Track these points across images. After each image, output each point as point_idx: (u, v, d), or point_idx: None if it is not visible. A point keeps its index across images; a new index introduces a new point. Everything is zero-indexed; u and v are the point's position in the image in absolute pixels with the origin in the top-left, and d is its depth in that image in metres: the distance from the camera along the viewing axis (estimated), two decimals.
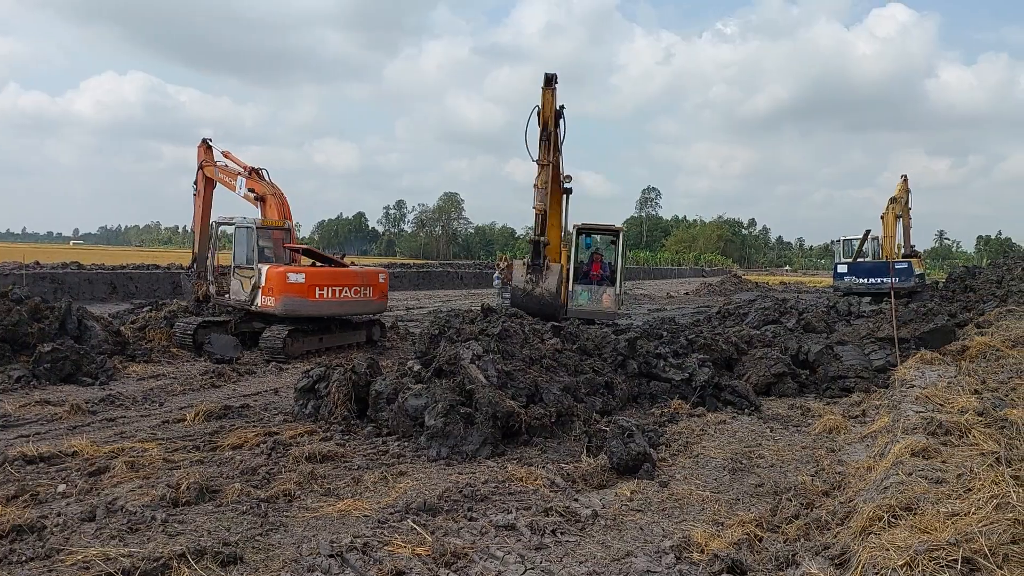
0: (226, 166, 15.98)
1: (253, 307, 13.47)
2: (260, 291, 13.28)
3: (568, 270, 16.80)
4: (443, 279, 41.82)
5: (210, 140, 16.19)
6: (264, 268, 13.33)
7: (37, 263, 27.96)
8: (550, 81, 13.92)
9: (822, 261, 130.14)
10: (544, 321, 11.88)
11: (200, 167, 16.18)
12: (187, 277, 16.56)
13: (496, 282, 17.63)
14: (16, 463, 6.24)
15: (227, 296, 14.15)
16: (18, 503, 5.29)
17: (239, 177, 15.44)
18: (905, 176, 31.19)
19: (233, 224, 14.12)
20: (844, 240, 32.21)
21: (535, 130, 14.05)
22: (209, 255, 14.95)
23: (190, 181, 16.54)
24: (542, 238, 14.33)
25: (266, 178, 15.32)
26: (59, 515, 5.03)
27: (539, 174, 13.64)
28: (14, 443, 7.00)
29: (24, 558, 4.38)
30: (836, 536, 4.52)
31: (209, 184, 16.30)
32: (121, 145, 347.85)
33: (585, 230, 18.11)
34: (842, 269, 29.95)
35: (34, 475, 6.02)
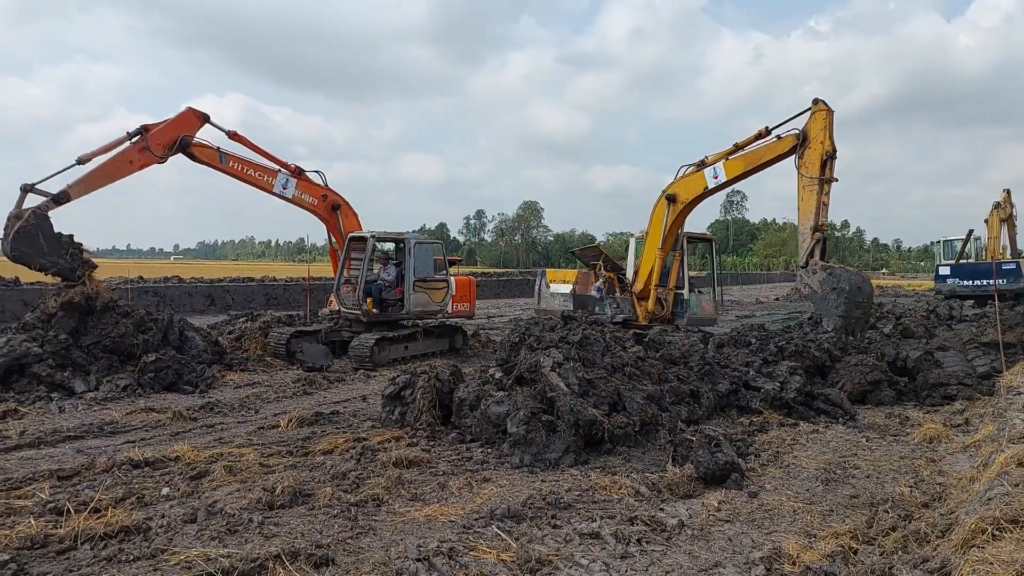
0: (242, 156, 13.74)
1: (443, 315, 15.25)
2: (451, 299, 15.21)
3: (686, 279, 16.57)
4: (523, 287, 41.95)
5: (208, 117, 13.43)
6: (452, 278, 15.40)
7: (141, 278, 29.46)
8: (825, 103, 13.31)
9: (921, 263, 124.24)
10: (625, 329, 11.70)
11: (182, 145, 12.85)
12: (350, 293, 14.75)
13: (596, 293, 17.16)
14: (124, 467, 6.59)
15: (392, 309, 14.52)
16: (125, 505, 5.58)
17: (280, 175, 14.04)
18: (1008, 190, 29.64)
19: (409, 239, 14.43)
20: (945, 241, 30.73)
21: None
22: (362, 270, 14.24)
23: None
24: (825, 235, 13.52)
25: (322, 182, 14.71)
26: (163, 517, 5.29)
27: (826, 191, 12.90)
28: (122, 448, 7.40)
29: (131, 557, 4.63)
30: (936, 549, 4.32)
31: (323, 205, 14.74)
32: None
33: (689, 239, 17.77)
34: (944, 271, 28.53)
35: (140, 479, 6.34)
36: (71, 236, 11.71)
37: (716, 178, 14.45)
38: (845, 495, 6.23)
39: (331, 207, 14.71)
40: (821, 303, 12.23)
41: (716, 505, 5.84)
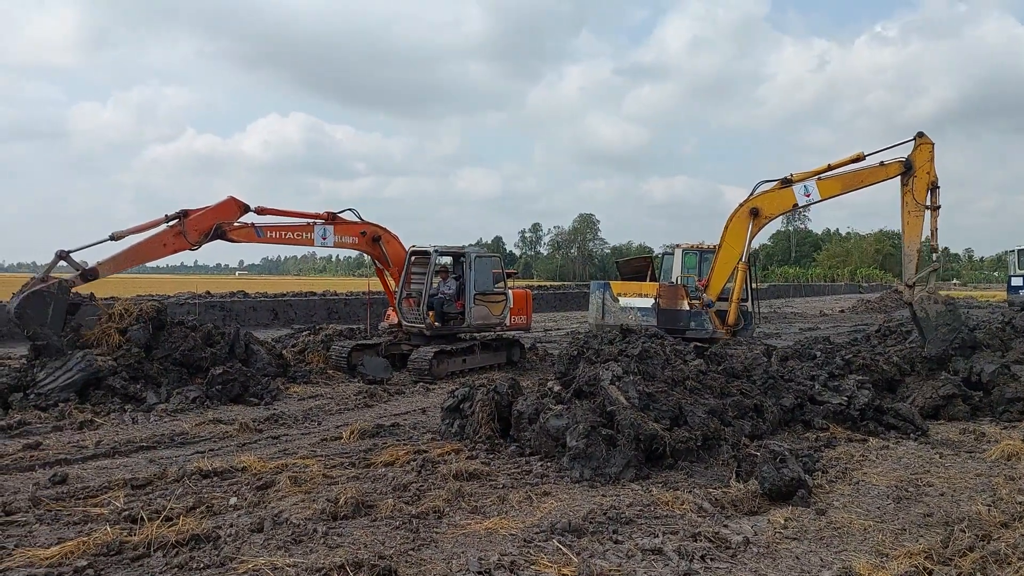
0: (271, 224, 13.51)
1: (501, 328, 15.54)
2: (510, 312, 15.52)
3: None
4: (580, 300, 41.75)
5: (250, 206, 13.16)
6: (511, 292, 15.74)
7: (208, 293, 30.31)
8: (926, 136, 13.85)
9: (995, 273, 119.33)
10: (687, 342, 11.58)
11: (217, 232, 12.52)
12: (412, 307, 14.89)
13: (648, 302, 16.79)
14: (193, 477, 6.77)
15: (453, 322, 14.68)
16: (195, 514, 5.72)
17: (316, 228, 13.85)
18: None
19: (469, 253, 14.70)
20: (1020, 250, 29.55)
21: None
22: (426, 283, 14.37)
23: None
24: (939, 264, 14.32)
25: (358, 218, 14.46)
26: (231, 526, 5.41)
27: (935, 216, 13.42)
28: (191, 459, 7.61)
29: (201, 565, 4.75)
30: (1017, 571, 4.13)
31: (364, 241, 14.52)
32: (282, 180, 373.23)
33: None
34: (1017, 282, 27.47)
35: (209, 488, 6.50)
36: (81, 303, 11.68)
37: (808, 196, 14.60)
38: (918, 513, 6.00)
39: (372, 240, 14.58)
40: (932, 332, 12.35)
41: (782, 522, 5.70)
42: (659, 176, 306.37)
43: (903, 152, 13.68)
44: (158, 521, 5.41)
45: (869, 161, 13.91)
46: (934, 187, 13.29)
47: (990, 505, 6.02)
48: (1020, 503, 5.98)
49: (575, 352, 10.82)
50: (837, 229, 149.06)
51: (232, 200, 12.96)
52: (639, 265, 20.56)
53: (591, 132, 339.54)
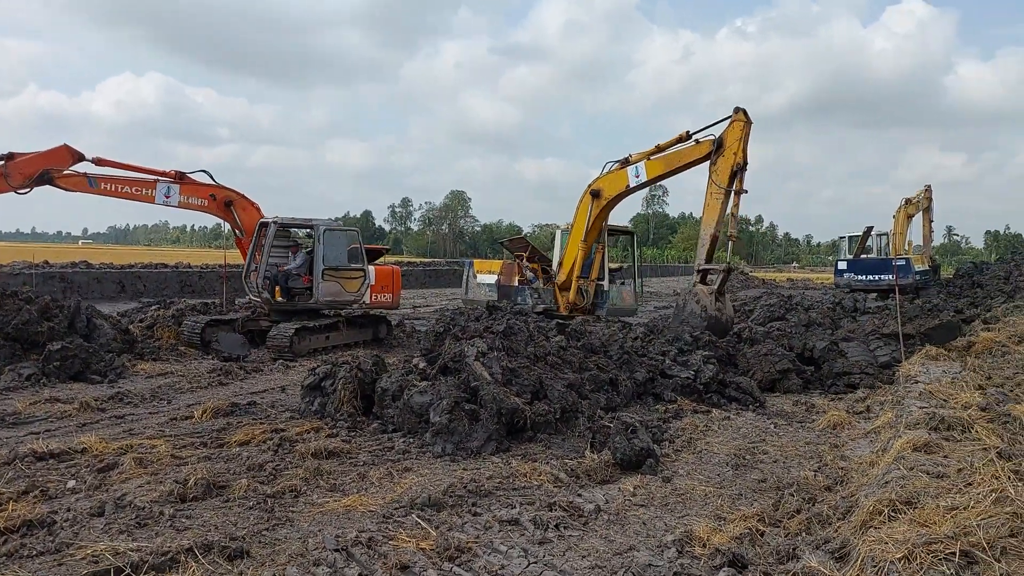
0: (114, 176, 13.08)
1: (358, 305, 14.88)
2: (370, 289, 14.90)
3: (606, 271, 16.89)
4: (450, 277, 41.86)
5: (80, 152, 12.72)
6: (371, 268, 14.96)
7: (47, 263, 28.18)
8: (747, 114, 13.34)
9: (829, 258, 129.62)
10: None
11: (44, 178, 12.08)
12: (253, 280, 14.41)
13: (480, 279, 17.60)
14: (27, 460, 6.31)
15: (299, 298, 14.14)
16: (28, 499, 5.34)
17: (160, 184, 13.36)
18: (929, 186, 31.46)
19: (320, 226, 14.03)
20: (850, 237, 32.24)
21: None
22: (262, 257, 13.94)
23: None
24: (733, 267, 14.05)
25: (210, 180, 14.01)
26: (69, 511, 5.10)
27: (736, 202, 13.00)
28: (25, 440, 7.07)
29: (34, 552, 4.45)
30: (837, 530, 4.55)
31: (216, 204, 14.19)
32: (137, 144, 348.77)
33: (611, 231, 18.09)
34: (842, 266, 30.17)
35: (44, 472, 6.08)
36: None
37: (638, 177, 14.75)
38: (753, 479, 6.49)
39: (224, 204, 14.10)
40: (677, 325, 12.64)
41: (632, 490, 6.00)
42: (533, 157, 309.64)
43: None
44: None
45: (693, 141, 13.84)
46: (740, 169, 12.80)
47: (816, 471, 6.59)
48: (842, 468, 6.58)
49: (442, 329, 10.87)
50: (691, 213, 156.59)
51: (65, 147, 12.41)
52: (522, 244, 20.95)
53: (467, 110, 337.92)
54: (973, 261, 40.73)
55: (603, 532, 5.12)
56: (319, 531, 4.93)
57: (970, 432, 5.87)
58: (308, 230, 14.80)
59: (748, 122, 13.04)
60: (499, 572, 4.37)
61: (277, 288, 13.89)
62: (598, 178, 15.43)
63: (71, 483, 5.77)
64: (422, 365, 8.74)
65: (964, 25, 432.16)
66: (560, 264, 16.57)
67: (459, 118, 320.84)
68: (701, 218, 13.37)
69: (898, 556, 3.60)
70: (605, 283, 16.74)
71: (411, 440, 7.34)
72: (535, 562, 4.51)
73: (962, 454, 5.22)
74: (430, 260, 74.59)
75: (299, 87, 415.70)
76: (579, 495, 5.81)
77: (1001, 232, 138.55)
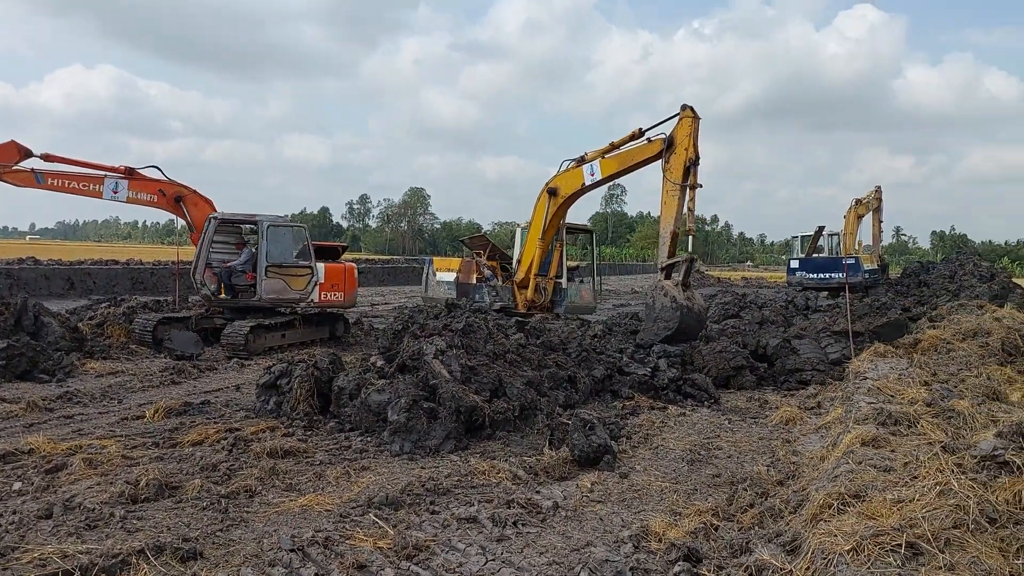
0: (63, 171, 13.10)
1: (304, 304, 14.39)
2: (319, 287, 14.40)
3: (564, 269, 16.98)
4: (408, 275, 41.64)
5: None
6: (321, 265, 14.47)
7: None
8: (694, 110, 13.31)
9: (783, 257, 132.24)
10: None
11: None
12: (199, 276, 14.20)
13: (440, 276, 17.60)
14: None
15: (243, 295, 13.87)
16: None
17: (108, 180, 13.35)
18: (879, 187, 32.21)
19: (264, 222, 13.71)
20: (802, 236, 32.92)
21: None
22: (200, 252, 13.79)
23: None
24: (695, 256, 14.05)
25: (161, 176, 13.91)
26: (15, 513, 4.97)
27: (691, 196, 12.90)
28: None
29: None
30: (789, 524, 4.64)
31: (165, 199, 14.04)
32: (87, 138, 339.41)
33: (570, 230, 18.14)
34: (794, 265, 30.86)
35: None
36: None
37: (592, 175, 14.81)
38: (708, 475, 6.60)
39: (173, 200, 13.93)
40: (650, 322, 12.51)
41: (589, 486, 6.05)
42: (492, 155, 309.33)
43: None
44: None
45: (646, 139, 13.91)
46: (692, 164, 12.90)
47: (769, 466, 6.73)
48: (794, 463, 6.72)
49: (400, 327, 10.79)
50: (649, 212, 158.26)
51: (12, 143, 12.39)
52: (482, 242, 20.93)
53: (427, 106, 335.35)
54: (920, 261, 41.89)
55: (561, 528, 5.15)
56: (274, 531, 4.88)
57: (916, 427, 6.04)
58: (252, 226, 14.57)
59: (696, 118, 13.12)
60: (457, 570, 4.38)
61: (222, 285, 13.72)
62: (555, 176, 15.51)
63: (17, 485, 5.62)
64: (380, 363, 8.68)
65: (913, 31, 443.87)
66: (519, 262, 16.62)
67: (419, 115, 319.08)
68: (660, 216, 13.47)
69: (847, 548, 3.69)
70: (564, 281, 16.83)
71: (369, 439, 7.29)
72: (493, 559, 4.53)
73: (908, 448, 5.37)
74: (388, 258, 74.10)
75: (256, 81, 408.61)
76: (537, 492, 5.85)
77: (947, 233, 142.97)
